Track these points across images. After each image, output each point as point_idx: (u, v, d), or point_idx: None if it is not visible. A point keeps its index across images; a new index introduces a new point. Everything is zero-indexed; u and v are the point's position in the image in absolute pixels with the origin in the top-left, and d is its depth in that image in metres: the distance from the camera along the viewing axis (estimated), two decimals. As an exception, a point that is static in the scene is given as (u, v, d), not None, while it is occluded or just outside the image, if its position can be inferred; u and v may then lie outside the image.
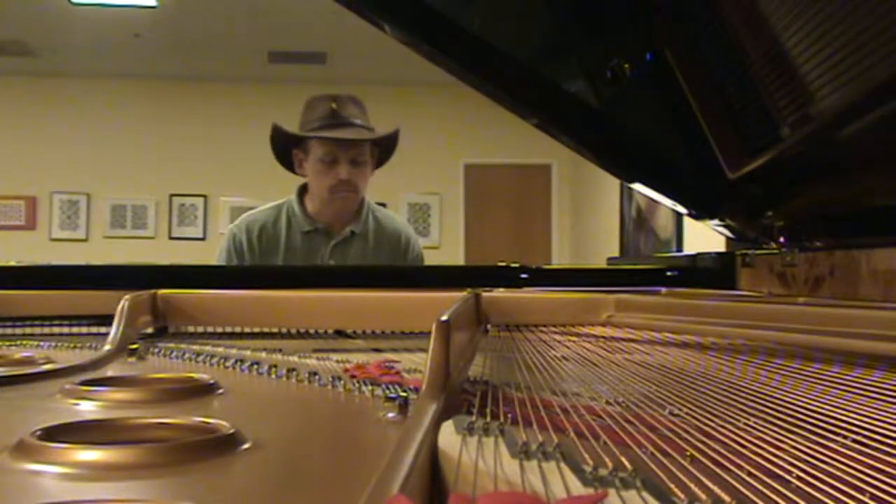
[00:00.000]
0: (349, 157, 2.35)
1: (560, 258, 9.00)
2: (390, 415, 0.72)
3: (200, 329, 1.53)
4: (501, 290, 1.57)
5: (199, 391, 0.85)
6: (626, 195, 7.05)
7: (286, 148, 2.44)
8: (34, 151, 8.71)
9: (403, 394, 0.76)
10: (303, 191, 2.48)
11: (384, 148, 2.51)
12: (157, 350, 1.23)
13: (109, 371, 1.05)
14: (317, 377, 0.94)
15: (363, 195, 2.46)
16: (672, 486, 0.43)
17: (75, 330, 1.54)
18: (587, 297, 1.49)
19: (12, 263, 1.91)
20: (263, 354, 1.17)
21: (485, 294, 1.43)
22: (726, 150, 1.52)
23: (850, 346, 0.89)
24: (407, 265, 2.51)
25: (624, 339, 1.23)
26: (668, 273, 1.91)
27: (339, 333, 1.53)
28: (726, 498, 0.41)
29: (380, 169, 2.57)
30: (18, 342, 1.36)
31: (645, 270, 2.05)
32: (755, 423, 0.60)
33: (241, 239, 2.41)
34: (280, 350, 1.23)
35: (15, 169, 8.72)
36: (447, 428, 0.54)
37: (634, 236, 6.94)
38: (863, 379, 0.75)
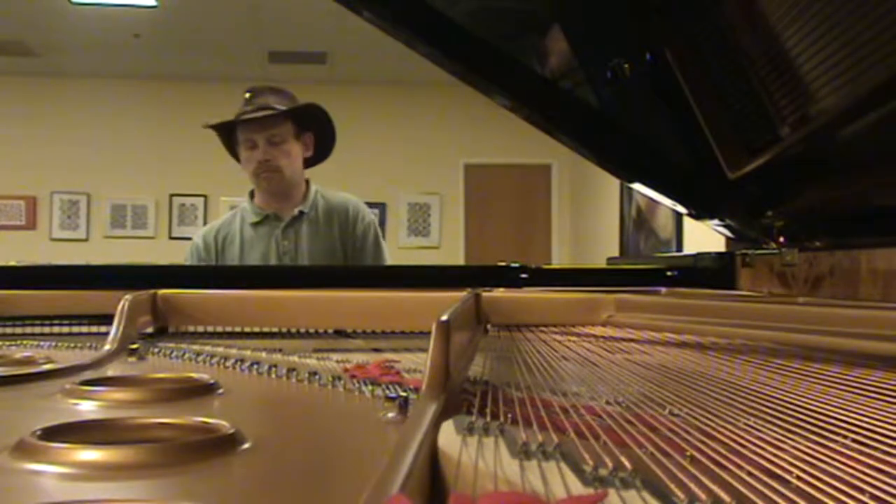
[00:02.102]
0: (264, 137, 2.50)
1: (560, 258, 8.99)
2: (390, 415, 0.72)
3: (200, 329, 1.53)
4: (501, 290, 1.57)
5: (199, 391, 0.85)
6: (626, 195, 7.05)
7: (230, 144, 2.60)
8: (34, 151, 8.71)
9: (403, 394, 0.76)
10: (254, 191, 2.64)
11: (318, 131, 2.60)
12: (157, 350, 1.23)
13: (109, 371, 1.05)
14: (317, 377, 0.94)
15: (293, 176, 2.56)
16: (672, 486, 0.43)
17: (75, 330, 1.54)
18: (587, 297, 1.49)
19: (12, 263, 1.91)
20: (263, 354, 1.17)
21: (485, 294, 1.43)
22: (726, 150, 1.52)
23: (850, 346, 0.89)
24: (409, 266, 2.53)
25: (624, 339, 1.23)
26: (668, 273, 1.91)
27: (339, 333, 1.53)
28: (726, 498, 0.41)
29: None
30: (18, 342, 1.36)
31: (645, 270, 2.05)
32: (755, 423, 0.60)
33: (199, 244, 2.60)
34: (280, 350, 1.23)
35: (15, 169, 8.71)
36: (447, 428, 0.54)
37: (634, 236, 6.93)
38: (863, 379, 0.75)
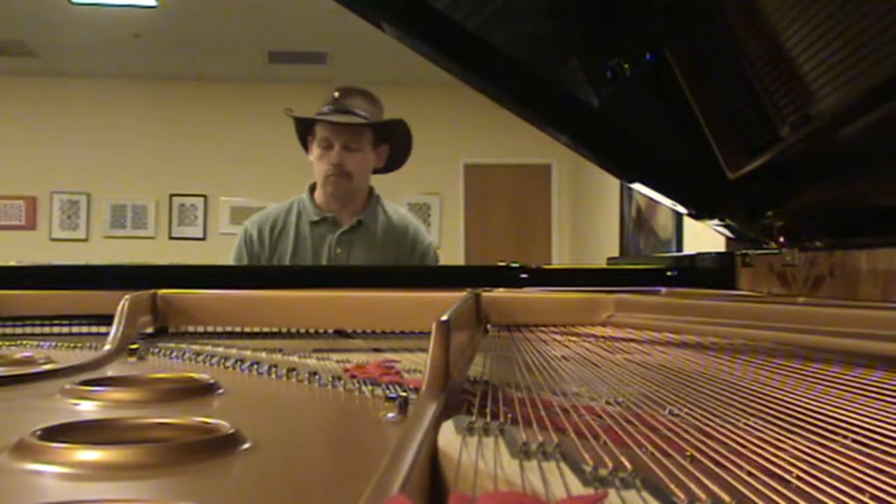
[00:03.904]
0: (342, 142, 2.45)
1: (560, 258, 8.99)
2: (390, 415, 0.72)
3: (200, 329, 1.53)
4: (501, 290, 1.57)
5: (199, 391, 0.85)
6: (626, 195, 7.05)
7: (304, 135, 2.55)
8: (34, 151, 8.70)
9: (403, 394, 0.76)
10: (314, 186, 2.58)
11: (395, 144, 2.57)
12: (157, 350, 1.23)
13: (109, 371, 1.05)
14: (317, 377, 0.94)
15: (361, 184, 2.53)
16: (672, 486, 0.43)
17: (75, 330, 1.54)
18: (587, 297, 1.49)
19: (12, 263, 1.91)
20: (263, 354, 1.17)
21: (485, 294, 1.43)
22: (726, 150, 1.52)
23: (850, 346, 0.89)
24: (408, 265, 2.52)
25: (624, 339, 1.23)
26: (668, 273, 1.91)
27: (339, 333, 1.53)
28: (726, 498, 0.41)
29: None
30: (18, 342, 1.36)
31: (645, 270, 2.05)
32: (755, 423, 0.60)
33: (252, 233, 2.52)
34: (280, 350, 1.23)
35: (15, 169, 8.71)
36: (447, 428, 0.54)
37: (634, 236, 6.93)
38: (863, 379, 0.75)
